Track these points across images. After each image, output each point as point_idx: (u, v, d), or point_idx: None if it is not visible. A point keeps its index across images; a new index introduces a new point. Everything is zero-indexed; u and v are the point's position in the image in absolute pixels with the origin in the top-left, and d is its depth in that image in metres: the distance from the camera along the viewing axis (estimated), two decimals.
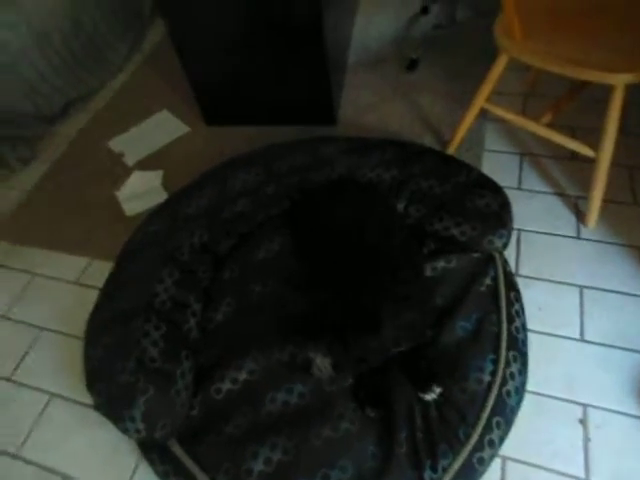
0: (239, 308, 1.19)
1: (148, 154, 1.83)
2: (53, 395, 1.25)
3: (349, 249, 1.09)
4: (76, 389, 1.24)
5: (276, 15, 1.48)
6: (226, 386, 1.06)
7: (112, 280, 1.22)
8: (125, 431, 0.98)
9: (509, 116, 1.39)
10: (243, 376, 1.07)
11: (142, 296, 1.14)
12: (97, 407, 1.02)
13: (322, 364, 0.95)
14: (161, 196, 1.63)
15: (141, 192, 1.69)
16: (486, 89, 1.35)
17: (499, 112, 1.39)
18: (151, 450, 1.04)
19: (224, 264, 1.27)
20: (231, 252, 1.29)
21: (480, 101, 1.38)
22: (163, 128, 1.92)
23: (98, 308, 1.17)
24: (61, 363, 1.30)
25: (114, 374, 1.02)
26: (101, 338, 1.09)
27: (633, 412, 1.03)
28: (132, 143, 1.89)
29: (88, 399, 1.05)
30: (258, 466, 0.94)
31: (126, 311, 1.12)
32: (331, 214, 1.17)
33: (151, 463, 1.04)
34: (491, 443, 0.95)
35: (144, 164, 1.80)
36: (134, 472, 1.09)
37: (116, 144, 1.90)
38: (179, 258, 1.21)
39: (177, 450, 1.00)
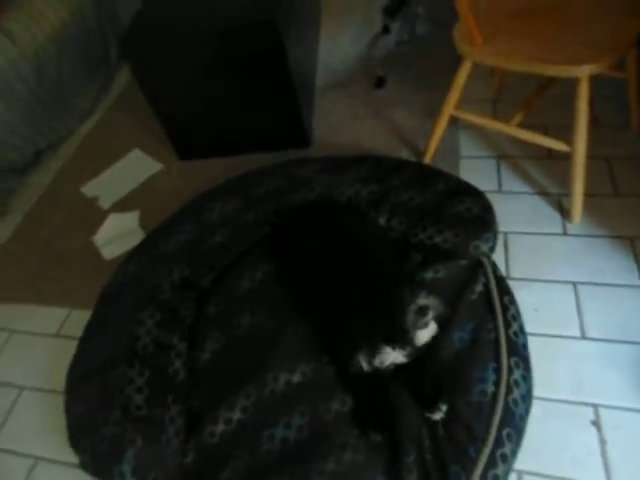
0: (227, 343, 1.14)
1: (123, 195, 1.79)
2: (38, 458, 1.17)
3: (333, 269, 1.06)
4: (62, 449, 1.15)
5: (240, 48, 1.48)
6: (220, 428, 1.00)
7: (90, 328, 1.17)
8: None
9: (480, 120, 1.38)
10: (237, 415, 1.01)
11: (123, 341, 1.09)
12: (83, 466, 0.96)
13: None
14: (139, 237, 1.58)
15: (118, 235, 1.64)
16: (453, 96, 1.35)
17: (469, 117, 1.39)
18: None
19: (208, 299, 1.22)
20: (214, 286, 1.24)
21: (449, 109, 1.38)
22: (136, 167, 1.89)
23: (77, 358, 1.11)
24: (44, 423, 1.22)
25: (98, 427, 0.96)
26: (82, 390, 1.04)
27: None
28: (105, 186, 1.85)
29: (75, 458, 0.98)
30: None
31: (107, 359, 1.06)
32: (311, 237, 1.14)
33: None
34: (504, 458, 0.90)
35: (119, 206, 1.76)
36: None
37: (89, 189, 1.86)
38: (159, 297, 1.17)
39: None
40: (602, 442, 0.96)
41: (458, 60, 1.29)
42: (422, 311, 0.90)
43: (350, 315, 0.96)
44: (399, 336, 0.92)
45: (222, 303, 1.20)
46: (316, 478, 0.89)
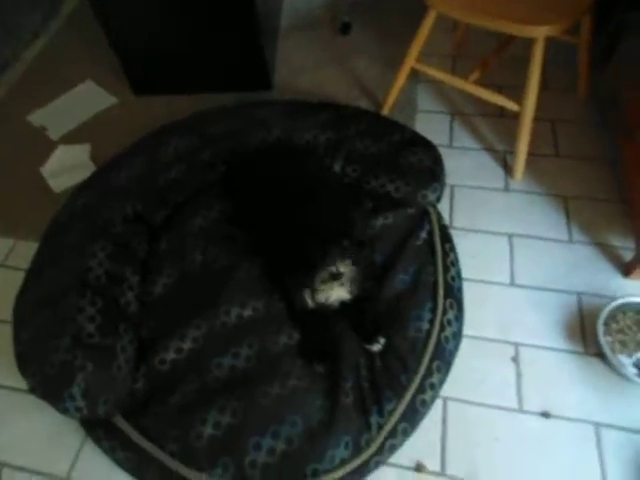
0: (180, 278, 1.16)
1: (73, 127, 1.72)
2: None
3: (289, 210, 1.08)
4: (10, 375, 1.17)
5: None
6: (170, 356, 1.04)
7: (39, 258, 1.15)
8: (65, 411, 0.94)
9: (439, 75, 1.41)
10: (187, 345, 1.05)
11: (74, 272, 1.08)
12: (32, 390, 0.97)
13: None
14: (90, 170, 1.52)
15: (68, 167, 1.59)
16: (416, 47, 1.37)
17: (429, 71, 1.41)
18: (95, 428, 1.01)
19: (161, 235, 1.23)
20: (167, 222, 1.25)
21: (410, 60, 1.40)
22: (88, 99, 1.80)
23: (26, 288, 1.10)
24: None
25: (48, 354, 0.97)
26: (31, 319, 1.04)
27: (561, 346, 1.11)
28: (55, 116, 1.76)
29: (24, 384, 0.99)
30: (207, 430, 0.94)
31: (57, 289, 1.06)
32: (267, 177, 1.16)
33: (96, 441, 1.01)
34: (432, 386, 1.00)
35: (69, 138, 1.69)
36: (79, 452, 1.06)
37: (37, 118, 1.76)
38: (111, 230, 1.16)
39: (122, 424, 0.98)
40: (518, 375, 1.08)
41: (424, 12, 1.29)
42: (334, 276, 0.93)
43: (292, 256, 0.99)
44: (305, 282, 0.97)
45: (175, 239, 1.22)
46: (261, 399, 0.96)
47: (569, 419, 1.01)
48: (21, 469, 1.06)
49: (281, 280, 1.08)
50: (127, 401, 1.00)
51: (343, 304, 1.02)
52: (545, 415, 1.02)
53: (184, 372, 1.02)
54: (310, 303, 1.01)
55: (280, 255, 1.05)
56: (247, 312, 1.09)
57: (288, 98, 1.55)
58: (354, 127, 1.34)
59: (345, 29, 1.90)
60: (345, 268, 0.94)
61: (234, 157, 1.30)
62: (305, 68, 1.80)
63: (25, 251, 1.38)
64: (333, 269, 0.93)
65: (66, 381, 0.94)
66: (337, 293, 0.99)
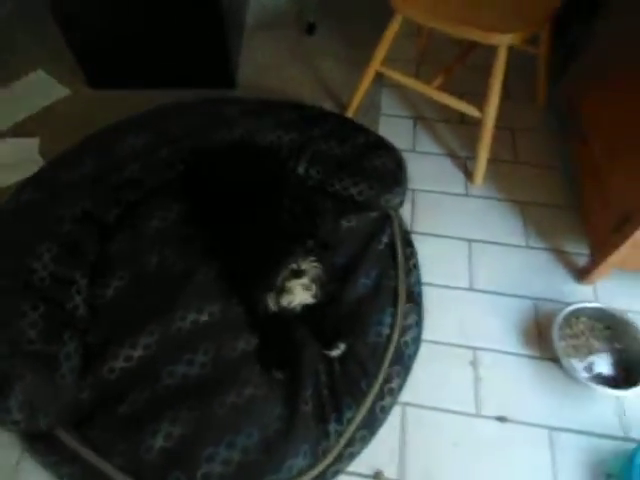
0: (133, 281, 1.11)
1: (21, 119, 1.62)
2: None
3: (250, 211, 1.05)
4: None
5: None
6: (119, 364, 0.99)
7: None
8: (1, 424, 0.87)
9: (403, 79, 1.42)
10: (138, 352, 1.00)
11: (15, 274, 1.01)
12: None
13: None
14: (38, 165, 1.44)
15: (14, 162, 1.49)
16: (381, 51, 1.36)
17: (394, 75, 1.42)
18: (35, 441, 0.94)
19: (113, 235, 1.17)
20: (120, 222, 1.19)
21: (376, 64, 1.39)
22: (38, 90, 1.70)
23: None
24: None
25: None
26: None
27: (518, 351, 1.13)
28: (1, 106, 1.65)
29: None
30: (158, 442, 0.89)
31: None
32: (225, 177, 1.12)
33: (37, 454, 0.94)
34: (391, 391, 0.99)
35: (17, 131, 1.59)
36: (16, 467, 0.98)
37: None
38: (59, 230, 1.09)
39: (65, 437, 0.92)
40: (476, 379, 1.09)
41: (390, 16, 1.29)
42: (296, 274, 0.91)
43: (249, 252, 0.96)
44: (267, 283, 0.94)
45: (128, 240, 1.16)
46: (217, 409, 0.92)
47: (524, 423, 1.03)
48: None
49: (241, 283, 1.05)
50: (71, 412, 0.94)
51: (304, 308, 1.00)
52: (501, 419, 1.03)
53: (134, 381, 0.97)
54: (273, 307, 0.98)
55: (241, 257, 1.01)
56: (203, 317, 1.05)
57: (251, 97, 1.51)
58: (319, 128, 1.32)
59: (311, 29, 1.88)
60: (307, 265, 0.92)
61: (193, 156, 1.25)
62: (270, 67, 1.77)
63: None
64: (295, 266, 0.91)
65: (1, 392, 0.87)
66: (301, 296, 0.97)
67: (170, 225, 1.19)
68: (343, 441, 0.92)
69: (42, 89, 1.71)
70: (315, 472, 0.90)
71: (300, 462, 0.89)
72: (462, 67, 1.61)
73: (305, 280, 0.94)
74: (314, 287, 0.97)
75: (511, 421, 1.03)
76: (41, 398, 0.89)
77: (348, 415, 0.94)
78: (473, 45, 1.55)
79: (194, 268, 1.11)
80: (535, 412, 1.04)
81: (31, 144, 1.54)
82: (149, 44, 1.58)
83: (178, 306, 1.05)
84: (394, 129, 1.55)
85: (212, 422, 0.91)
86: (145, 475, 0.87)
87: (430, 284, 1.21)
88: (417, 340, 1.08)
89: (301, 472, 0.89)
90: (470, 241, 1.30)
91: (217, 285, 1.09)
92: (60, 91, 1.70)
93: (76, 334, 0.99)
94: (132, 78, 1.69)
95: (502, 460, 0.98)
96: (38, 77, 1.75)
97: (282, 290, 0.94)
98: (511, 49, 1.19)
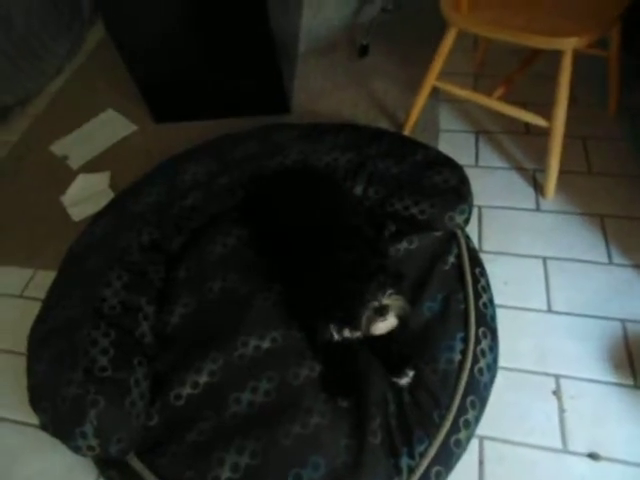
0: (197, 308, 1.12)
1: (94, 156, 1.73)
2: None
3: (305, 238, 1.04)
4: (23, 410, 1.13)
5: (220, 6, 1.42)
6: (186, 391, 0.99)
7: (55, 288, 1.13)
8: (77, 450, 0.90)
9: (461, 92, 1.37)
10: (204, 379, 1.00)
11: (88, 303, 1.05)
12: (43, 426, 0.93)
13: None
14: (109, 198, 1.53)
15: (87, 195, 1.59)
16: (437, 65, 1.33)
17: (452, 89, 1.37)
18: (109, 467, 0.96)
19: (178, 263, 1.20)
20: (184, 249, 1.22)
21: (431, 78, 1.36)
22: (109, 128, 1.82)
23: (40, 319, 1.07)
24: (5, 384, 1.19)
25: (60, 388, 0.93)
26: (45, 351, 1.00)
27: (605, 379, 1.02)
28: (76, 145, 1.78)
29: (36, 419, 0.96)
30: (225, 473, 0.88)
31: (71, 320, 1.03)
32: (284, 203, 1.12)
33: None
34: (467, 424, 0.92)
35: (90, 166, 1.69)
36: None
37: (59, 148, 1.78)
38: (127, 259, 1.13)
39: (137, 465, 0.92)
40: (561, 411, 0.99)
41: (442, 31, 1.26)
42: (381, 311, 0.86)
43: (317, 287, 0.94)
44: (351, 324, 0.91)
45: (193, 267, 1.18)
46: (282, 440, 0.89)
47: (620, 461, 0.91)
48: None
49: (303, 312, 1.03)
50: (142, 439, 0.95)
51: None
52: (593, 457, 0.93)
53: (200, 408, 0.97)
54: (336, 336, 0.95)
55: (304, 287, 0.99)
56: (266, 344, 1.03)
57: (306, 122, 1.53)
58: (375, 147, 1.30)
59: (363, 52, 1.89)
60: (389, 300, 0.87)
61: (252, 182, 1.27)
62: (323, 91, 1.79)
63: (44, 281, 1.36)
64: (376, 304, 0.86)
65: (78, 418, 0.89)
66: (386, 325, 0.91)
67: (231, 251, 1.20)
68: (416, 477, 0.86)
69: (112, 127, 1.82)
70: None
71: None
72: (523, 77, 1.54)
73: (393, 320, 0.88)
74: (400, 315, 0.91)
75: (605, 459, 0.92)
76: (113, 425, 0.90)
77: (420, 449, 0.88)
78: (535, 53, 1.48)
79: (254, 294, 1.11)
80: (631, 448, 0.92)
81: (102, 178, 1.64)
82: (207, 78, 1.65)
83: (240, 332, 1.05)
84: (455, 145, 1.50)
85: (278, 453, 0.88)
86: None
87: (504, 306, 1.13)
88: (492, 367, 1.00)
89: None
90: (545, 259, 1.21)
91: (277, 311, 1.08)
92: (128, 127, 1.81)
93: (145, 360, 1.01)
94: (192, 111, 1.76)
95: None
96: (108, 116, 1.87)
97: (368, 331, 0.89)
98: (578, 53, 1.12)
